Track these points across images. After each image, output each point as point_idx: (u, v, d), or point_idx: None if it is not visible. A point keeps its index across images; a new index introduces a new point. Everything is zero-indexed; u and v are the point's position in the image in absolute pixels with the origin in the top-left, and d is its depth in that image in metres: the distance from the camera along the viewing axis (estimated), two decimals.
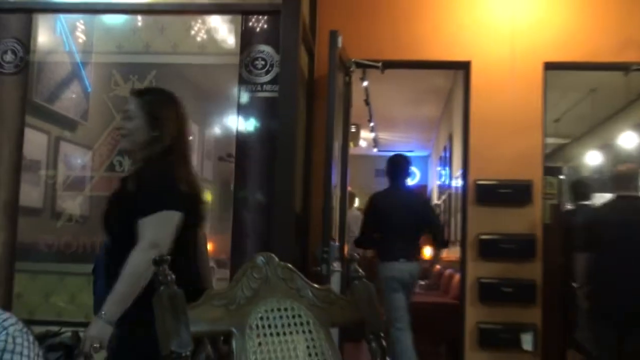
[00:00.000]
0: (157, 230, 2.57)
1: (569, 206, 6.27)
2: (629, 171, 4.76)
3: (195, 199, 2.78)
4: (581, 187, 6.39)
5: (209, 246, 4.23)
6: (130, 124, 2.80)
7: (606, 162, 10.60)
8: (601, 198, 5.77)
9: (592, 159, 10.46)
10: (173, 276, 1.78)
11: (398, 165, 6.22)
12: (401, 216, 5.89)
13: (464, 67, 5.59)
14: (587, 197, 6.28)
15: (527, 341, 5.21)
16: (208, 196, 5.06)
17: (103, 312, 2.48)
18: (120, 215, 2.72)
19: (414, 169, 14.96)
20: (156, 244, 2.52)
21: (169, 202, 2.62)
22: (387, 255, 5.80)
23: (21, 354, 1.45)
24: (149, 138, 2.74)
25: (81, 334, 3.73)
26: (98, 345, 2.47)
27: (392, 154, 6.55)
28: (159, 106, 2.81)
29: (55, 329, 4.22)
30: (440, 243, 6.61)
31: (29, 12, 4.93)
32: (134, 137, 2.80)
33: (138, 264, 2.51)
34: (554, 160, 11.53)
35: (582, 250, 4.75)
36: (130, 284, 2.51)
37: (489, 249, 5.35)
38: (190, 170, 2.86)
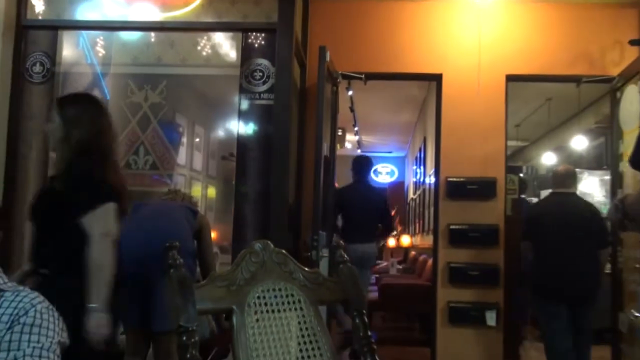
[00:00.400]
0: (102, 222, 2.55)
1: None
2: (565, 171, 4.90)
3: (121, 192, 2.74)
4: (522, 183, 6.63)
5: (213, 234, 4.23)
6: (51, 125, 2.81)
7: (560, 162, 10.69)
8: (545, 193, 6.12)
9: (548, 159, 10.54)
10: (182, 260, 1.78)
11: (361, 164, 6.49)
12: (361, 206, 6.15)
13: (436, 78, 5.58)
14: (524, 191, 6.80)
15: (491, 318, 5.22)
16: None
17: (94, 305, 2.45)
18: (49, 210, 2.69)
19: (392, 167, 15.02)
20: (107, 233, 2.53)
21: (103, 195, 2.59)
22: (348, 238, 5.88)
23: (47, 327, 1.45)
24: (62, 136, 2.72)
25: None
26: (105, 330, 2.45)
27: (358, 154, 6.78)
28: (69, 108, 2.79)
29: None
30: (387, 232, 7.02)
31: (55, 29, 4.92)
32: (53, 137, 2.81)
33: (100, 255, 2.50)
34: (515, 160, 11.58)
35: (526, 239, 4.88)
36: (103, 274, 2.50)
37: (458, 238, 5.35)
38: (115, 167, 2.83)
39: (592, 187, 7.42)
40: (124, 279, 3.43)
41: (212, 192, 5.12)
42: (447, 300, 5.33)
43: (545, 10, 5.44)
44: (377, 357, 1.98)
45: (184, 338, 1.68)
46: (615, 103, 5.33)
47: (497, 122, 5.41)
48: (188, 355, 1.67)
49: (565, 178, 4.84)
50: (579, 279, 4.53)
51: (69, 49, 4.98)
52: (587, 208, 4.79)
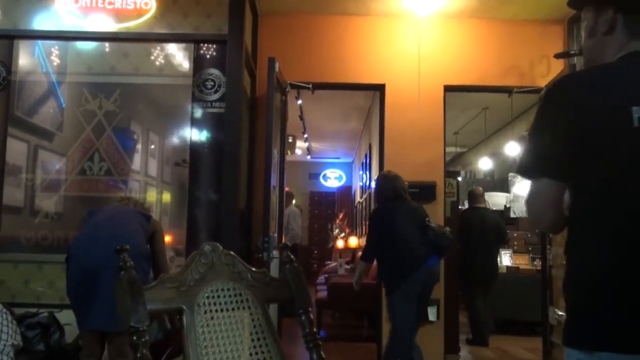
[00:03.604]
0: None
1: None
2: (477, 191, 7.04)
3: None
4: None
5: (168, 238, 4.18)
6: None
7: (495, 167, 10.91)
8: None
9: (484, 164, 10.75)
10: (132, 263, 1.75)
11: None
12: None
13: (379, 89, 5.65)
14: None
15: (432, 313, 5.27)
16: (166, 196, 5.01)
17: None
18: None
19: (340, 172, 15.06)
20: None
21: None
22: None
23: (1, 331, 1.42)
24: None
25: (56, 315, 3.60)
26: None
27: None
28: None
29: (33, 310, 4.12)
30: None
31: (11, 39, 4.83)
32: None
33: None
34: (453, 165, 11.80)
35: (461, 237, 6.37)
36: None
37: None
38: None
39: (525, 190, 7.63)
40: (80, 282, 3.36)
41: (167, 197, 5.04)
42: None
43: (480, 26, 5.56)
44: (322, 353, 1.99)
45: (135, 338, 1.66)
46: None
47: (436, 130, 5.50)
48: (138, 355, 1.65)
49: (480, 197, 6.98)
50: (485, 268, 6.62)
51: (25, 58, 4.87)
52: (495, 218, 7.02)
